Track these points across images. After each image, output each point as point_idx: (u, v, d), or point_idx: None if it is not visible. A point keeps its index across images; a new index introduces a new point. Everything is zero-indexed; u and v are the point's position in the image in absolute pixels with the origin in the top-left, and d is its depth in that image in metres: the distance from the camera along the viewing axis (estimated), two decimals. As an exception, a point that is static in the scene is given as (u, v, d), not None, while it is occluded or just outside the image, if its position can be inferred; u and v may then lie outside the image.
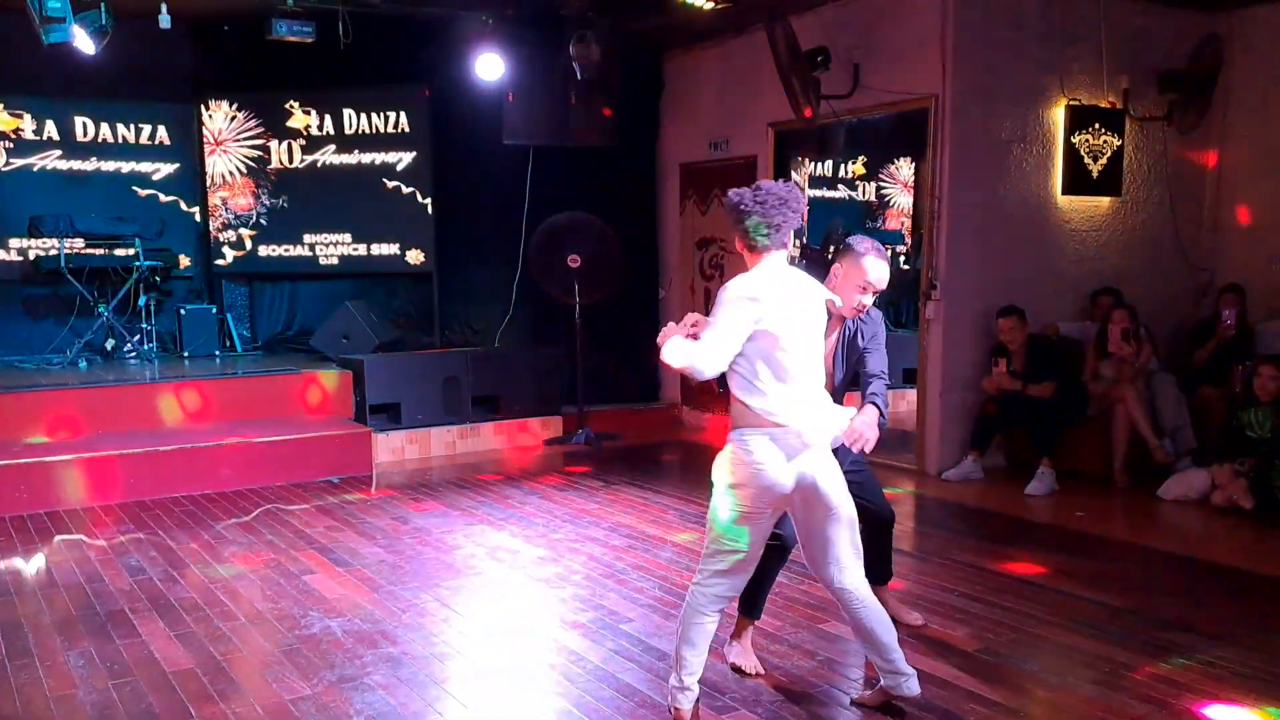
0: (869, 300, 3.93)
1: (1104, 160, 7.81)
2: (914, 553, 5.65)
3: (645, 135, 10.13)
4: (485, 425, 8.84)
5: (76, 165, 9.41)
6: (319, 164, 9.84)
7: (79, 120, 9.39)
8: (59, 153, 9.34)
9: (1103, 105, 7.77)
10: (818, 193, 10.53)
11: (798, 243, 9.29)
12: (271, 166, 9.84)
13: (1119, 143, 7.86)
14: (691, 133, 9.73)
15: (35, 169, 9.26)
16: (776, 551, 3.96)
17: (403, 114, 9.73)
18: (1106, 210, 7.98)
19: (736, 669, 4.08)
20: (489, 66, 8.19)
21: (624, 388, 10.12)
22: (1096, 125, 7.74)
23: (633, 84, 9.37)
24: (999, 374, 7.20)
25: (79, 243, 9.06)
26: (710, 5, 7.58)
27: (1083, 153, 7.72)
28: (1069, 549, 5.80)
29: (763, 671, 4.07)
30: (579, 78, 8.12)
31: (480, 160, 9.57)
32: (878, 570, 4.30)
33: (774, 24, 7.38)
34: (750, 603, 4.10)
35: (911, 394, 8.01)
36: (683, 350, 3.28)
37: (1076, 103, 7.65)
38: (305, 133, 9.81)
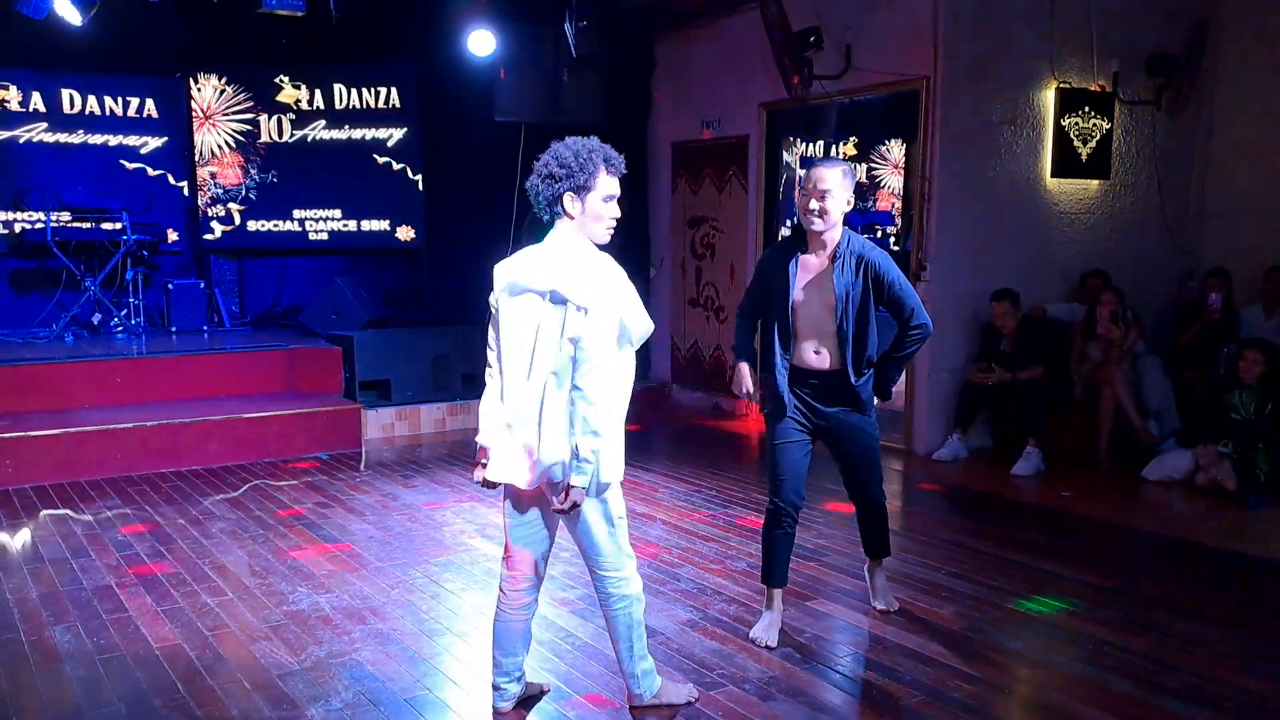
0: (814, 206, 3.95)
1: (1093, 143, 7.82)
2: (900, 531, 5.66)
3: (637, 114, 10.08)
4: (475, 402, 8.76)
5: (63, 138, 9.36)
6: (309, 139, 9.79)
7: (66, 92, 9.32)
8: (45, 125, 9.28)
9: (1092, 88, 7.76)
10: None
11: (789, 222, 9.28)
12: (261, 141, 9.79)
13: (1108, 126, 7.87)
14: (683, 112, 9.69)
15: (21, 141, 9.20)
16: (782, 520, 4.13)
17: (393, 90, 9.68)
18: (1095, 193, 7.99)
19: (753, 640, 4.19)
20: (481, 42, 8.14)
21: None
22: (1086, 108, 7.74)
23: (624, 63, 9.32)
24: (988, 374, 7.22)
25: (66, 216, 9.01)
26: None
27: (1072, 135, 7.72)
28: (1054, 528, 5.84)
29: (773, 645, 4.12)
30: (571, 55, 8.09)
31: (471, 137, 9.52)
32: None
33: (766, 3, 7.36)
34: (769, 573, 4.25)
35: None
36: None
37: (1067, 85, 7.65)
38: (295, 107, 9.76)
